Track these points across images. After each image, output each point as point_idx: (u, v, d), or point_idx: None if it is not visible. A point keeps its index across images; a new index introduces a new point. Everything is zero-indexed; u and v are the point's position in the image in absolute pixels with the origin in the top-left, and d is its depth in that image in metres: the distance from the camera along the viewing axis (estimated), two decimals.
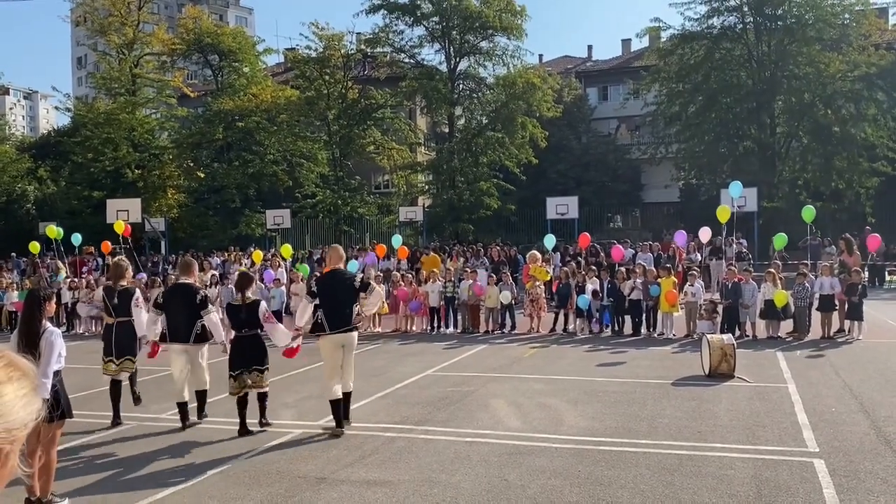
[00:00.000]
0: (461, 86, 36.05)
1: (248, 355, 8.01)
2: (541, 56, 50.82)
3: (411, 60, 36.41)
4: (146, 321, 8.68)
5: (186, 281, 8.66)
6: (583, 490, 5.94)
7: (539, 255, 17.17)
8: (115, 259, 9.14)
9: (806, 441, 7.16)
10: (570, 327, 15.75)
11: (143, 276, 20.67)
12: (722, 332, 13.22)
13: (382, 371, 11.46)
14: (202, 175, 37.90)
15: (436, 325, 16.72)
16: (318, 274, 17.83)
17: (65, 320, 18.90)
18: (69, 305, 18.86)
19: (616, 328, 15.40)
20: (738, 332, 13.90)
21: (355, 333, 8.13)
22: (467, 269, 18.36)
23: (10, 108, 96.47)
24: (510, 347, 14.07)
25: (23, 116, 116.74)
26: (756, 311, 14.22)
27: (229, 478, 6.56)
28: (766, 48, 33.10)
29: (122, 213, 25.59)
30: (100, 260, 25.50)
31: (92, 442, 7.92)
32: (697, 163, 35.49)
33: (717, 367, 10.29)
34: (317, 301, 7.99)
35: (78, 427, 7.95)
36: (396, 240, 21.44)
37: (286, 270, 20.37)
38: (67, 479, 6.43)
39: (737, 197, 17.94)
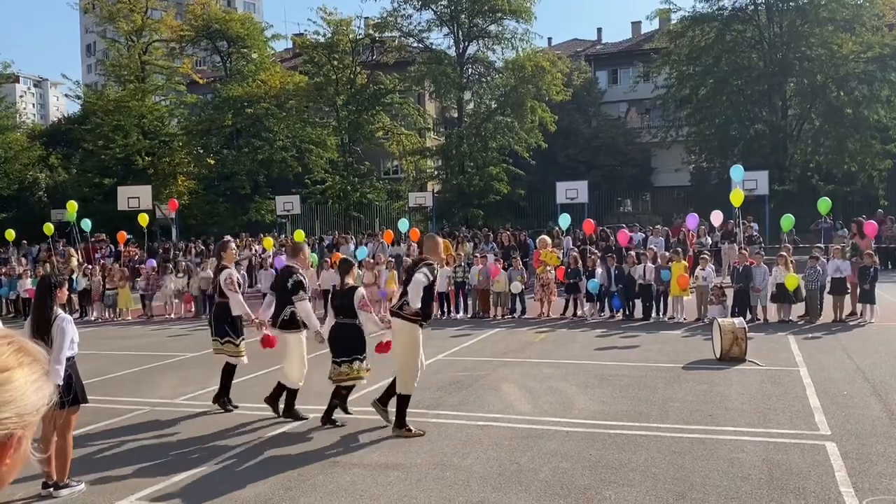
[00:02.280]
0: (470, 70, 35.91)
1: (343, 344, 7.66)
2: (550, 39, 50.52)
3: (420, 45, 36.28)
4: (264, 303, 8.41)
5: (291, 263, 8.36)
6: (594, 473, 5.96)
7: (549, 240, 17.15)
8: (224, 239, 8.98)
9: (818, 424, 7.16)
10: (580, 312, 15.75)
11: (153, 262, 20.77)
12: (733, 315, 13.18)
13: (390, 358, 11.49)
14: (212, 162, 37.99)
15: (446, 310, 16.75)
16: (328, 261, 17.89)
17: (77, 307, 19.05)
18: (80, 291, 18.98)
19: (626, 313, 15.38)
20: (749, 316, 13.85)
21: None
22: (477, 254, 18.37)
23: (21, 96, 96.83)
24: (520, 332, 14.09)
25: (33, 104, 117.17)
26: (767, 294, 14.17)
27: (242, 462, 6.62)
28: (778, 29, 32.75)
29: (133, 199, 25.69)
30: (112, 247, 25.66)
31: (107, 427, 8.00)
32: (708, 146, 35.27)
33: (728, 351, 10.28)
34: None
35: (93, 412, 8.03)
36: (403, 224, 21.46)
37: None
38: (83, 464, 6.50)
39: (739, 180, 17.83)
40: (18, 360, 1.12)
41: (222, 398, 8.53)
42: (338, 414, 7.84)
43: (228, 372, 8.58)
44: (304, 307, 7.91)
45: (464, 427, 7.42)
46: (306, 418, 7.88)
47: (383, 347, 7.79)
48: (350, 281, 7.86)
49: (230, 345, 8.53)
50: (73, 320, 6.20)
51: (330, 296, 8.17)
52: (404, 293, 7.38)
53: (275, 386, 8.13)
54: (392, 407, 7.43)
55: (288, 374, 8.02)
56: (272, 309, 8.21)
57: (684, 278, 14.47)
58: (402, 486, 5.83)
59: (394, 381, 7.50)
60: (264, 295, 9.23)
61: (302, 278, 8.10)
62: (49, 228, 22.63)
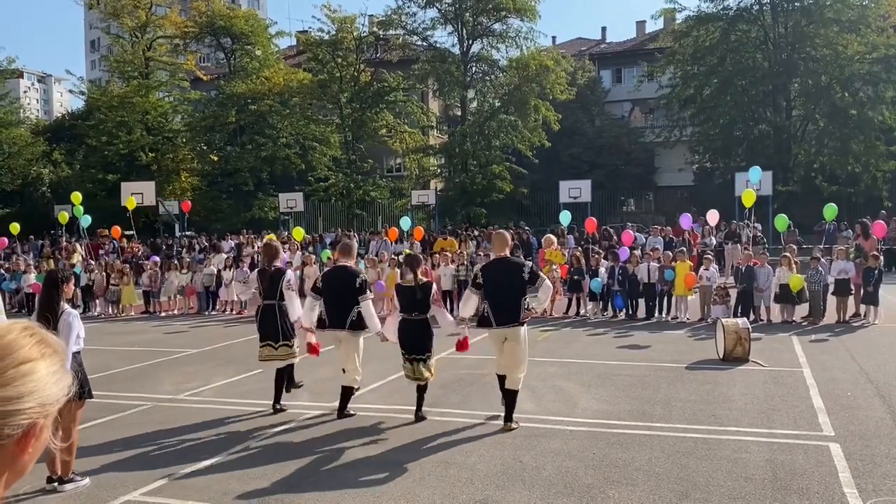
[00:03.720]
0: (474, 68, 35.91)
1: (413, 341, 7.61)
2: (554, 38, 50.52)
3: (424, 43, 36.30)
4: (305, 306, 8.09)
5: (346, 263, 8.03)
6: (597, 472, 5.97)
7: (554, 239, 17.16)
8: (267, 239, 8.63)
9: (821, 425, 7.15)
10: (583, 311, 15.74)
11: (156, 258, 20.81)
12: (736, 316, 13.17)
13: (396, 354, 11.51)
14: (215, 158, 38.04)
15: (450, 308, 16.74)
16: (364, 260, 17.79)
17: (80, 302, 19.08)
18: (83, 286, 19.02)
19: (629, 312, 15.38)
20: (752, 317, 13.84)
21: (522, 328, 7.36)
22: (480, 252, 18.36)
23: (25, 92, 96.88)
24: None
25: (37, 100, 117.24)
26: (771, 295, 14.16)
27: (246, 458, 6.63)
28: (783, 30, 32.71)
29: (137, 195, 25.73)
30: (115, 243, 25.71)
31: (110, 422, 8.02)
32: (712, 146, 35.25)
33: (731, 351, 10.27)
34: (481, 291, 7.37)
35: (96, 408, 8.05)
36: (405, 222, 21.49)
37: (301, 253, 20.44)
38: (88, 459, 6.52)
39: (755, 182, 17.81)
40: (41, 352, 1.15)
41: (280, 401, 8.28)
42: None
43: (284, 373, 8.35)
44: (369, 309, 7.74)
45: (467, 425, 7.43)
46: (354, 414, 7.86)
47: (463, 346, 7.87)
48: (421, 276, 7.70)
49: (286, 347, 8.26)
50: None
51: (399, 292, 7.90)
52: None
53: (341, 394, 7.94)
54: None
55: (353, 374, 7.88)
56: (316, 312, 7.96)
57: (692, 277, 14.45)
58: (405, 483, 5.84)
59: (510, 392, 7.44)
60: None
61: (366, 278, 7.98)
62: (64, 217, 22.73)
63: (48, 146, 41.18)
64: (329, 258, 18.57)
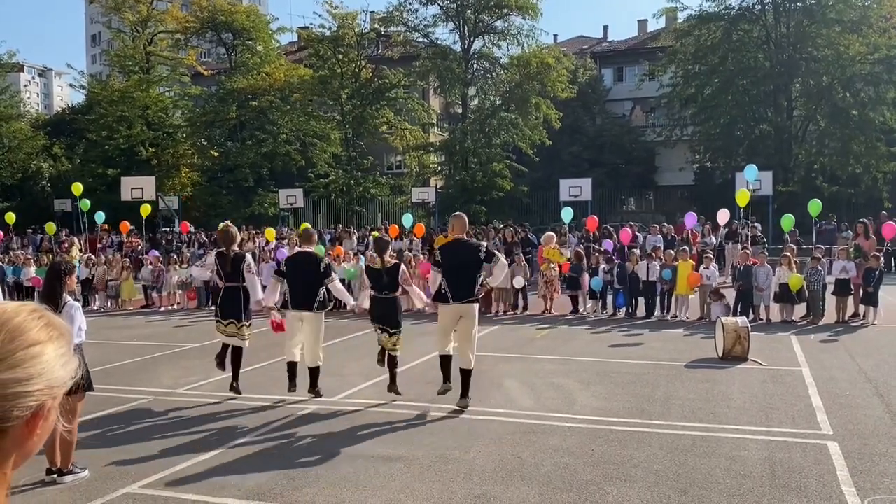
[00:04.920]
0: (475, 66, 35.87)
1: (383, 315, 8.27)
2: (555, 36, 50.41)
3: (425, 40, 36.24)
4: (268, 287, 8.88)
5: (307, 249, 8.70)
6: (596, 469, 5.98)
7: (554, 237, 17.17)
8: (223, 225, 9.09)
9: (820, 424, 7.17)
10: (582, 310, 15.75)
11: (156, 252, 20.81)
12: (736, 315, 13.19)
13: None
14: (216, 154, 38.01)
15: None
16: (330, 254, 17.95)
17: (79, 296, 19.08)
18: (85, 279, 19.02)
19: (629, 310, 15.39)
20: (752, 316, 13.86)
21: (475, 305, 7.90)
22: None
23: (25, 86, 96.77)
24: (523, 328, 14.11)
25: (37, 94, 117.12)
26: (770, 294, 14.17)
27: (246, 451, 6.64)
28: (785, 30, 32.70)
29: (137, 190, 25.71)
30: (114, 237, 25.71)
31: (110, 415, 8.03)
32: (713, 146, 35.25)
33: (730, 350, 10.28)
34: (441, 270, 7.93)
35: (96, 401, 8.06)
36: (407, 219, 21.49)
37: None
38: (88, 451, 6.53)
39: (752, 180, 17.84)
40: (49, 335, 1.16)
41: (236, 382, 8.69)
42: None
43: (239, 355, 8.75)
44: (338, 287, 8.60)
45: (466, 421, 7.45)
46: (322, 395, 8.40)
47: (278, 328, 8.63)
48: (389, 259, 8.43)
49: (245, 328, 8.66)
50: None
51: (366, 274, 8.73)
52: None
53: (289, 370, 8.48)
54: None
55: (316, 353, 8.42)
56: (277, 294, 8.65)
57: (695, 276, 14.45)
58: (404, 478, 5.85)
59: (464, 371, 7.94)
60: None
61: (329, 261, 8.75)
62: (51, 228, 22.84)
63: (48, 140, 41.12)
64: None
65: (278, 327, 8.73)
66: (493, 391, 8.80)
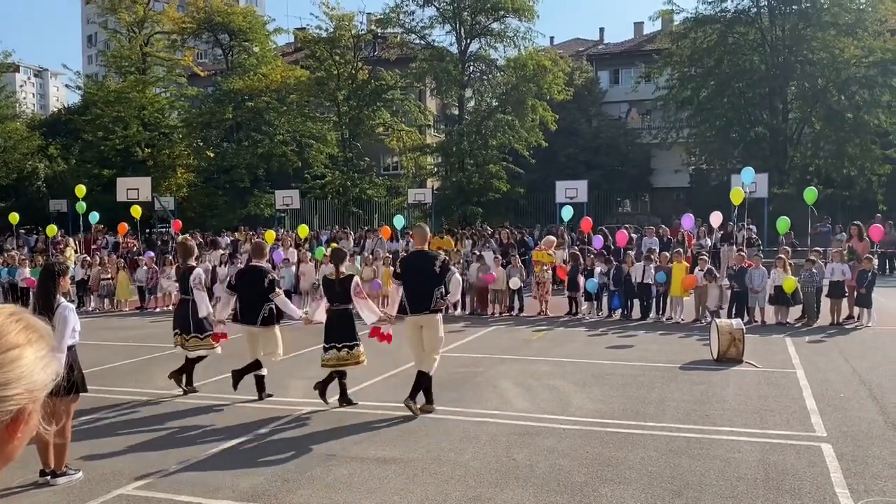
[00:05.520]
0: (471, 67, 35.85)
1: (338, 331, 8.09)
2: (552, 38, 50.55)
3: (422, 41, 36.21)
4: (222, 301, 8.94)
5: (258, 263, 8.75)
6: (590, 470, 5.98)
7: (554, 240, 17.21)
8: (181, 238, 9.31)
9: (814, 426, 7.18)
10: (579, 312, 15.77)
11: (151, 253, 20.76)
12: (730, 317, 13.22)
13: (391, 351, 11.49)
14: (212, 155, 37.96)
15: (452, 306, 16.75)
16: (327, 256, 17.91)
17: (74, 297, 19.02)
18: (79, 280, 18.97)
19: (625, 312, 15.41)
20: (746, 318, 13.89)
21: (436, 316, 7.84)
22: (475, 252, 18.39)
23: (21, 86, 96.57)
24: (518, 330, 14.12)
25: (33, 94, 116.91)
26: (765, 296, 14.20)
27: (240, 453, 6.63)
28: (780, 32, 32.76)
29: (133, 191, 25.66)
30: (109, 238, 25.66)
31: (104, 416, 8.01)
32: (708, 148, 35.28)
33: (725, 352, 10.30)
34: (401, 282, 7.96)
35: (90, 402, 8.04)
36: (399, 220, 21.53)
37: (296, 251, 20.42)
38: (81, 453, 6.51)
39: (749, 183, 17.88)
40: (27, 338, 1.15)
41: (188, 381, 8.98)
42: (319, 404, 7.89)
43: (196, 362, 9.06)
44: (283, 300, 8.62)
45: (461, 423, 7.45)
46: (272, 395, 8.52)
47: (377, 334, 8.32)
48: (344, 270, 8.29)
49: (208, 339, 8.93)
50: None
51: (322, 284, 8.56)
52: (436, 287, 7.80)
53: (324, 379, 8.32)
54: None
55: (275, 353, 8.57)
56: (230, 307, 8.68)
57: (691, 279, 14.47)
58: (398, 480, 5.85)
59: (420, 373, 7.88)
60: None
61: (275, 276, 8.75)
62: (52, 230, 22.83)
63: (44, 141, 41.01)
64: (324, 255, 18.57)
65: (219, 337, 8.80)
66: (489, 392, 8.80)
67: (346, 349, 8.07)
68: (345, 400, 8.17)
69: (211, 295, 9.86)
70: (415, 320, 7.83)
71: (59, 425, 5.79)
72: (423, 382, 7.82)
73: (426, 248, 8.23)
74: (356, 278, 8.33)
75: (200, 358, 9.05)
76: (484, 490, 5.58)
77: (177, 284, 9.92)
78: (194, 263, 9.25)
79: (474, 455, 6.41)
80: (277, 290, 8.53)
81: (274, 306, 8.47)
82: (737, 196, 15.96)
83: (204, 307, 8.80)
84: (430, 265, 7.79)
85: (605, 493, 5.49)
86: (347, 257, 9.26)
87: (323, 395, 8.13)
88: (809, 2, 31.97)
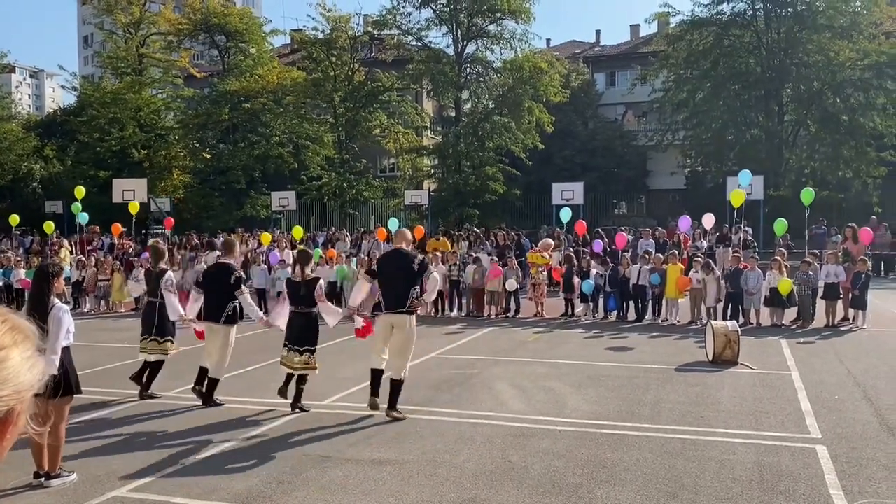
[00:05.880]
0: (468, 69, 35.86)
1: (300, 333, 7.99)
2: (548, 40, 50.55)
3: (418, 43, 36.22)
4: (190, 298, 8.88)
5: (226, 260, 8.71)
6: (585, 472, 5.99)
7: (551, 243, 17.23)
8: (152, 242, 9.29)
9: (808, 428, 7.20)
10: (574, 313, 15.78)
11: (147, 255, 20.72)
12: (726, 318, 13.24)
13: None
14: (208, 156, 37.89)
15: (440, 308, 16.76)
16: (323, 257, 17.94)
17: (69, 298, 18.96)
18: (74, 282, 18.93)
19: (620, 314, 15.43)
20: (742, 320, 13.91)
21: (408, 317, 7.74)
22: (471, 253, 18.40)
23: (16, 87, 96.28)
24: (514, 331, 14.12)
25: (29, 95, 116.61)
26: (761, 298, 14.23)
27: (234, 455, 6.62)
28: (776, 35, 32.84)
29: (129, 192, 25.60)
30: (105, 239, 25.58)
31: (99, 418, 8.00)
32: (704, 150, 35.33)
33: (720, 354, 10.32)
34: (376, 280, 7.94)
35: (86, 403, 8.03)
36: (393, 223, 21.54)
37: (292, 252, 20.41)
38: (75, 454, 6.50)
39: (745, 185, 17.92)
40: (13, 339, 1.15)
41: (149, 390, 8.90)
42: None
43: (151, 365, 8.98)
44: (246, 299, 8.52)
45: (456, 424, 7.44)
46: (222, 405, 8.31)
47: (362, 333, 8.25)
48: (309, 272, 8.20)
49: (169, 343, 8.97)
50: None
51: (286, 285, 8.43)
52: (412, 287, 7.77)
53: (199, 372, 8.50)
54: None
55: (221, 366, 8.41)
56: (199, 305, 8.62)
57: (685, 280, 14.49)
58: (394, 481, 5.85)
59: (394, 381, 7.80)
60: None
61: (241, 274, 8.68)
62: (50, 227, 22.75)
63: (39, 142, 40.83)
64: (321, 257, 18.56)
65: (200, 335, 8.70)
66: (484, 394, 8.81)
67: (306, 353, 7.96)
68: (297, 404, 7.99)
69: (234, 297, 9.77)
70: (387, 319, 7.77)
71: (52, 426, 5.78)
72: (397, 389, 7.72)
73: (404, 246, 8.15)
74: (321, 281, 8.26)
75: (160, 363, 8.92)
76: (479, 492, 5.58)
77: (143, 287, 9.89)
78: (165, 266, 9.21)
79: (469, 456, 6.41)
80: (243, 287, 8.49)
81: (237, 304, 8.41)
82: (737, 198, 15.99)
83: (174, 311, 8.74)
84: (409, 264, 7.76)
85: (601, 494, 5.50)
86: (313, 260, 9.19)
87: (283, 395, 8.07)
88: (805, 5, 32.07)
